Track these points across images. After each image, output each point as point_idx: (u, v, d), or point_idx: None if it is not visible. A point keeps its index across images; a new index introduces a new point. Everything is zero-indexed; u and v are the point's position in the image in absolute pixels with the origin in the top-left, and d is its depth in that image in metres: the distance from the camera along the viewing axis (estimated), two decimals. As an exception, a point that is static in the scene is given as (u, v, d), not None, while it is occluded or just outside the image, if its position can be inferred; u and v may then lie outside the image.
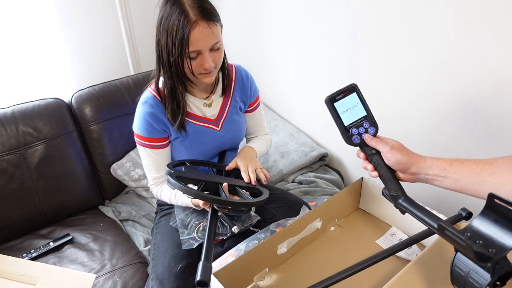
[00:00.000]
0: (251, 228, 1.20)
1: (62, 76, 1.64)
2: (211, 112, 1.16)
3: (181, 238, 1.11)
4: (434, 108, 1.17)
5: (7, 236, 1.35)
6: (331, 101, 0.81)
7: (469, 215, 0.79)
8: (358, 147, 0.83)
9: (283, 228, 1.02)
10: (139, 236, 1.36)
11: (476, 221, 0.58)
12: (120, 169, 1.52)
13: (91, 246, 1.28)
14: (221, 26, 1.01)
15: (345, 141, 0.82)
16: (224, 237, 1.15)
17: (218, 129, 1.18)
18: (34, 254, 1.23)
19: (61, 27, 1.60)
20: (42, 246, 1.27)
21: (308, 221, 1.08)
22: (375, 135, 0.82)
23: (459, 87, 1.08)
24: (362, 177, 1.21)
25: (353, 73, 1.37)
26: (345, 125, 0.81)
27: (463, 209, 0.79)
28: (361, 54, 1.31)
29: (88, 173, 1.51)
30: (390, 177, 0.79)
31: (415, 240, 0.84)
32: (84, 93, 1.51)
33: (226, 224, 1.16)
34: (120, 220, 1.46)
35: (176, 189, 1.10)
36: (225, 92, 1.16)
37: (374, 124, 0.82)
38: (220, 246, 1.15)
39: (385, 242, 1.12)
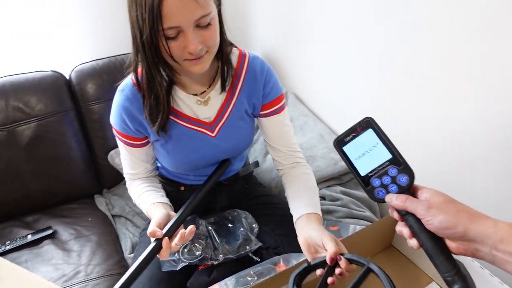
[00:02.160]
0: (250, 255, 0.98)
1: (65, 47, 1.46)
2: (206, 113, 0.90)
3: (160, 258, 0.92)
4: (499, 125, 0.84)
5: (-11, 220, 1.24)
6: (338, 144, 0.62)
7: None
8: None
9: (285, 269, 0.79)
10: (127, 239, 1.19)
11: None
12: (118, 157, 1.35)
13: (71, 246, 1.14)
14: None
15: (368, 196, 0.59)
16: (215, 262, 0.94)
17: (213, 135, 0.92)
18: (8, 247, 1.12)
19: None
20: (20, 238, 1.15)
21: (318, 262, 0.83)
22: (409, 185, 0.56)
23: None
24: (400, 210, 0.94)
25: (405, 71, 1.06)
26: (362, 175, 0.59)
27: None
28: (421, 47, 0.99)
29: (85, 159, 1.36)
30: (434, 250, 0.53)
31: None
32: (86, 68, 1.33)
33: (219, 247, 0.95)
34: (113, 216, 1.30)
35: (143, 193, 0.94)
36: (226, 87, 0.89)
37: (405, 170, 0.57)
38: (206, 275, 0.93)
39: (420, 305, 0.84)
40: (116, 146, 1.38)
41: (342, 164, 1.29)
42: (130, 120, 0.85)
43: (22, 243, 1.13)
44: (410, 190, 0.57)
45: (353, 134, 0.61)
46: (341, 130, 1.42)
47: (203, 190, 0.91)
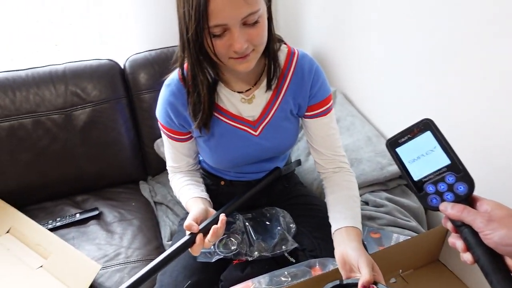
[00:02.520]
0: (285, 255, 0.96)
1: (123, 36, 1.52)
2: (250, 111, 0.88)
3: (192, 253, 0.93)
4: None
5: (44, 197, 1.33)
6: (391, 145, 0.58)
7: None
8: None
9: (320, 274, 0.76)
10: (167, 227, 1.22)
11: None
12: (163, 146, 1.38)
13: (114, 228, 1.19)
14: None
15: (420, 202, 0.55)
16: (249, 258, 0.93)
17: (256, 134, 0.90)
18: (58, 224, 1.19)
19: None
20: (68, 216, 1.22)
21: (356, 270, 0.79)
22: (467, 195, 0.52)
23: None
24: (450, 223, 0.87)
25: (466, 74, 0.98)
26: (415, 179, 0.55)
27: None
28: (486, 49, 0.91)
29: (133, 145, 1.41)
30: (491, 267, 0.48)
31: None
32: (139, 58, 1.38)
33: (254, 244, 0.94)
34: (155, 202, 1.34)
35: (183, 186, 0.94)
36: (272, 86, 0.86)
37: (464, 178, 0.53)
38: (240, 270, 0.93)
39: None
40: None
41: (389, 169, 1.23)
42: (175, 115, 0.86)
43: (71, 221, 1.20)
44: (468, 200, 0.52)
45: (409, 135, 0.57)
46: (390, 133, 1.34)
47: (247, 194, 0.92)
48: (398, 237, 1.08)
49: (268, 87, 0.86)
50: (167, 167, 1.01)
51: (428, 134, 0.56)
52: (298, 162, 1.20)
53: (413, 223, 1.14)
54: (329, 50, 1.53)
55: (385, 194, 1.22)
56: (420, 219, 1.19)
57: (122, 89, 1.36)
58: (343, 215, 0.83)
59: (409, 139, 0.57)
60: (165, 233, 1.20)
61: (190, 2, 0.65)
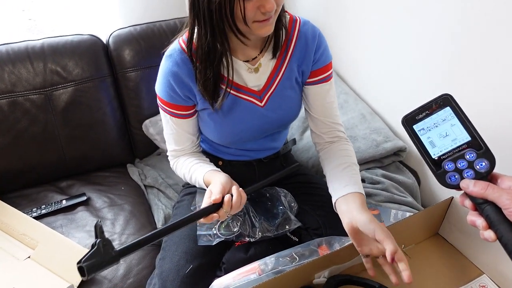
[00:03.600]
0: (288, 234, 0.94)
1: (103, 11, 1.42)
2: (256, 81, 0.86)
3: (198, 232, 0.89)
4: None
5: (25, 183, 1.25)
6: (408, 122, 0.57)
7: None
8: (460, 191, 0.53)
9: (328, 254, 0.75)
10: (160, 211, 1.17)
11: None
12: (153, 127, 1.33)
13: (104, 213, 1.13)
14: None
15: (437, 180, 0.54)
16: (252, 240, 0.91)
17: (262, 104, 0.88)
18: (43, 211, 1.12)
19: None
20: (54, 203, 1.15)
21: (363, 248, 0.78)
22: (488, 172, 0.51)
23: None
24: (452, 198, 0.88)
25: (459, 52, 0.97)
26: (433, 157, 0.54)
27: None
28: (477, 19, 0.90)
29: (119, 126, 1.34)
30: None
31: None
32: (123, 33, 1.29)
33: (257, 225, 0.92)
34: (145, 186, 1.29)
35: (193, 165, 0.90)
36: (278, 52, 0.84)
37: (486, 154, 0.52)
38: (243, 252, 0.91)
39: (471, 298, 0.80)
40: (151, 116, 1.36)
41: (385, 146, 1.23)
42: (179, 86, 0.81)
43: (57, 208, 1.13)
44: (488, 177, 0.52)
45: (427, 111, 0.56)
46: (384, 111, 1.34)
47: (263, 182, 0.88)
48: (396, 213, 1.09)
49: (274, 53, 0.84)
50: (169, 152, 0.96)
51: (447, 110, 0.55)
52: (294, 141, 1.18)
53: (409, 199, 1.15)
54: (321, 27, 1.48)
55: (380, 171, 1.23)
56: (415, 194, 1.20)
57: (106, 66, 1.27)
58: (344, 183, 0.79)
59: (427, 115, 0.56)
60: (158, 217, 1.16)
61: None
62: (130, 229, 1.08)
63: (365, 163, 1.24)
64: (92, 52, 1.24)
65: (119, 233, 1.07)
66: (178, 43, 0.82)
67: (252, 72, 0.85)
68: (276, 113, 0.90)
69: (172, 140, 0.92)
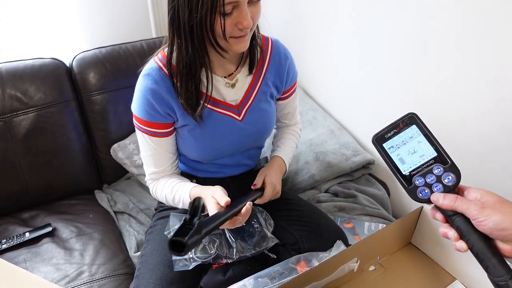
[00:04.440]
0: (266, 252, 0.93)
1: (66, 33, 1.39)
2: (234, 95, 0.88)
3: (173, 257, 0.86)
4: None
5: (-17, 216, 1.16)
6: (378, 141, 0.59)
7: None
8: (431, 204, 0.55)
9: (307, 270, 0.75)
10: (132, 237, 1.13)
11: None
12: (121, 151, 1.29)
13: (72, 244, 1.07)
14: None
15: (409, 195, 0.56)
16: (229, 261, 0.89)
17: (240, 118, 0.90)
18: (4, 246, 1.04)
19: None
20: (17, 236, 1.07)
21: (341, 262, 0.80)
22: (455, 185, 0.53)
23: None
24: (422, 207, 0.91)
25: (420, 64, 1.02)
26: (404, 173, 0.56)
27: None
28: (432, 36, 0.95)
29: (85, 152, 1.29)
30: (486, 252, 0.49)
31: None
32: (88, 56, 1.26)
33: (233, 245, 0.90)
34: (115, 212, 1.24)
35: (175, 185, 0.89)
36: (254, 68, 0.89)
37: (451, 168, 0.54)
38: (221, 274, 0.89)
39: (445, 304, 0.82)
40: (119, 139, 1.32)
41: (354, 160, 1.26)
42: (159, 103, 0.81)
43: (20, 242, 1.05)
44: (455, 190, 0.54)
45: (395, 130, 0.58)
46: (351, 125, 1.38)
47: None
48: (369, 225, 1.11)
49: (251, 69, 0.88)
50: (148, 176, 0.94)
51: (413, 128, 0.57)
52: (266, 159, 1.18)
53: (381, 210, 1.18)
54: (289, 45, 1.53)
55: (352, 185, 1.25)
56: (386, 205, 1.23)
57: (70, 90, 1.23)
58: (281, 153, 1.02)
59: (396, 133, 0.58)
60: (130, 244, 1.11)
61: None
62: (100, 259, 1.03)
63: (337, 177, 1.27)
64: (55, 76, 1.20)
65: (88, 264, 1.01)
66: (155, 62, 0.82)
67: (229, 87, 0.87)
68: (254, 126, 0.92)
69: (151, 161, 0.90)
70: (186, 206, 0.88)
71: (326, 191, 1.25)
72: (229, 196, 1.02)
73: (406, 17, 1.03)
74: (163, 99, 0.81)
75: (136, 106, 0.84)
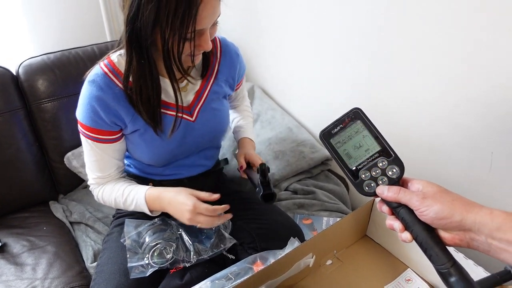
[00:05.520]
0: (224, 253, 0.93)
1: (14, 39, 1.33)
2: (185, 97, 0.88)
3: (128, 264, 0.85)
4: (475, 115, 0.86)
5: None
6: (325, 137, 0.59)
7: None
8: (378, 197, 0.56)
9: (261, 269, 0.75)
10: (89, 247, 1.09)
11: None
12: (76, 159, 1.25)
13: (24, 259, 1.02)
14: None
15: (356, 190, 0.56)
16: (187, 264, 0.88)
17: (193, 119, 0.90)
18: (-51, 265, 0.98)
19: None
20: (-38, 254, 1.01)
21: (296, 258, 0.81)
22: (400, 177, 0.54)
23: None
24: (374, 200, 0.93)
25: (370, 61, 1.06)
26: (351, 168, 0.57)
27: None
28: (380, 35, 0.99)
29: (37, 162, 1.24)
30: (429, 241, 0.50)
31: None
32: (35, 62, 1.21)
33: (191, 248, 0.89)
34: (71, 223, 1.20)
35: (126, 187, 0.89)
36: (205, 71, 0.89)
37: (395, 161, 0.55)
38: (179, 278, 0.88)
39: (397, 290, 0.85)
40: (72, 148, 1.28)
41: (312, 157, 1.28)
42: (105, 111, 0.79)
43: (-33, 259, 1.00)
44: (400, 182, 0.55)
45: (341, 125, 0.58)
46: (309, 123, 1.41)
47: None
48: (328, 220, 1.13)
49: (202, 71, 0.89)
50: (91, 180, 0.91)
51: (358, 123, 0.58)
52: (226, 161, 1.18)
53: (340, 205, 1.20)
54: (246, 46, 1.54)
55: (311, 181, 1.27)
56: (345, 200, 1.26)
57: (17, 99, 1.18)
58: (249, 134, 1.10)
59: (342, 129, 0.58)
60: (87, 254, 1.08)
61: (171, 10, 0.64)
62: (54, 272, 0.99)
63: (296, 175, 1.28)
64: (0, 84, 1.15)
65: (41, 278, 0.97)
66: (100, 68, 0.80)
67: (181, 91, 0.86)
68: (207, 126, 0.92)
69: (95, 167, 0.87)
70: (140, 208, 0.87)
71: (286, 189, 1.27)
72: None
73: (356, 17, 1.06)
74: (109, 106, 0.79)
75: (80, 112, 0.82)
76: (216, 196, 0.85)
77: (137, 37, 0.71)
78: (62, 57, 1.25)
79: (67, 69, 1.24)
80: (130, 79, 0.78)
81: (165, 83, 0.84)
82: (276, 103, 1.51)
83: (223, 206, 0.83)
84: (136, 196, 0.86)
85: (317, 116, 1.36)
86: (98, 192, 0.91)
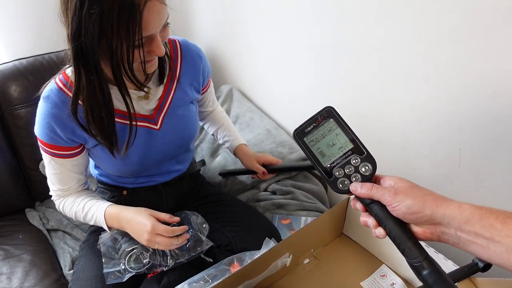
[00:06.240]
0: (202, 256, 0.93)
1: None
2: (147, 105, 0.86)
3: (104, 270, 0.84)
4: (443, 113, 0.89)
5: None
6: (298, 135, 0.59)
7: (487, 267, 0.65)
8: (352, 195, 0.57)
9: (237, 270, 0.76)
10: (66, 254, 1.08)
11: None
12: (51, 166, 1.23)
13: (-2, 268, 1.00)
14: None
15: (331, 188, 0.57)
16: (165, 269, 0.88)
17: (157, 127, 0.87)
18: None
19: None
20: None
21: (273, 258, 0.82)
22: (372, 174, 0.56)
23: (481, 86, 0.80)
24: (349, 198, 0.95)
25: (347, 60, 1.08)
26: (324, 166, 0.57)
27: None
28: (356, 36, 1.01)
29: (11, 169, 1.22)
30: (402, 236, 0.51)
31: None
32: (7, 69, 1.20)
33: (167, 252, 0.89)
34: (48, 230, 1.18)
35: (86, 202, 0.88)
36: (165, 78, 0.86)
37: (367, 158, 0.56)
38: (156, 283, 0.87)
39: (373, 285, 0.87)
40: (48, 154, 1.26)
41: (290, 158, 1.29)
42: (62, 129, 0.77)
43: None
44: (372, 179, 0.56)
45: (314, 124, 0.59)
46: (287, 123, 1.42)
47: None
48: (306, 219, 1.14)
49: (161, 79, 0.85)
50: (52, 192, 0.90)
51: (331, 121, 0.58)
52: (203, 163, 1.18)
53: (318, 204, 1.22)
54: (223, 48, 1.54)
55: (290, 182, 1.28)
56: (323, 199, 1.28)
57: (-11, 106, 1.16)
58: (234, 138, 1.12)
59: (315, 127, 0.59)
60: (65, 261, 1.07)
61: (114, 19, 0.61)
62: (30, 281, 0.98)
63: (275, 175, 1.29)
64: (-30, 91, 1.13)
65: (16, 287, 0.95)
66: (55, 83, 0.77)
67: (142, 99, 0.84)
68: (173, 133, 0.90)
69: (55, 180, 0.86)
70: (99, 224, 0.87)
71: (265, 190, 1.27)
72: (163, 205, 1.02)
73: (331, 19, 1.07)
74: (65, 123, 0.76)
75: (38, 129, 0.80)
76: (176, 219, 0.86)
77: (83, 53, 0.66)
78: (35, 62, 1.23)
79: (40, 75, 1.22)
80: (80, 100, 0.73)
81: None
82: (254, 105, 1.52)
83: (181, 227, 0.84)
84: (96, 213, 0.85)
85: (296, 117, 1.38)
86: (59, 204, 0.90)
